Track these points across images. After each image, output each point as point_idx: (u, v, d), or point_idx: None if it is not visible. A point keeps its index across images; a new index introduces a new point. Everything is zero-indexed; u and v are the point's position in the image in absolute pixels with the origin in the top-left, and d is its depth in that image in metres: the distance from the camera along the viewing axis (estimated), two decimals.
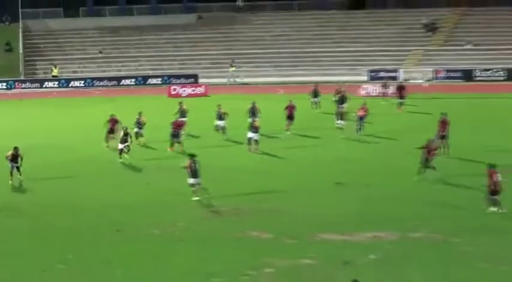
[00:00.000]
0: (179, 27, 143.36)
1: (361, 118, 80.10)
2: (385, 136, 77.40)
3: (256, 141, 73.67)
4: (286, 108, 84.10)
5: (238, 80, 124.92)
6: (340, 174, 63.39)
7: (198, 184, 55.87)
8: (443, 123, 70.90)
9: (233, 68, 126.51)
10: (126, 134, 70.73)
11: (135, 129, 78.34)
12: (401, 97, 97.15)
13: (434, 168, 59.53)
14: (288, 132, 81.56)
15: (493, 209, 50.36)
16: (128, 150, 70.71)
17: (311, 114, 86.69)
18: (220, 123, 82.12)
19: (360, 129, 79.94)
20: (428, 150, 59.94)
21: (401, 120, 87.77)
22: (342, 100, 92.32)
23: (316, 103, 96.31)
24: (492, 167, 50.86)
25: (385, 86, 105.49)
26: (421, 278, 41.53)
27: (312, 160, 70.41)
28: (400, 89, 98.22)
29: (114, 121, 77.91)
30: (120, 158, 69.68)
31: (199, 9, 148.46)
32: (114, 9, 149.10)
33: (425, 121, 75.68)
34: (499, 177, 50.76)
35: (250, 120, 79.31)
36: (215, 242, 47.30)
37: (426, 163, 59.94)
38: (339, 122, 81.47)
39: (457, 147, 69.54)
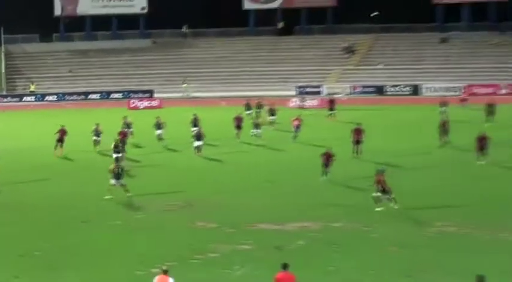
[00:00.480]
0: (137, 50, 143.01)
1: (297, 127, 79.79)
2: (313, 142, 75.58)
3: (198, 147, 73.47)
4: (235, 119, 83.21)
5: (190, 94, 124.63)
6: (270, 174, 64.00)
7: (121, 185, 55.69)
8: (358, 131, 70.93)
9: (185, 85, 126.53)
10: (117, 146, 68.22)
11: (94, 138, 77.12)
12: (331, 109, 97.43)
13: (327, 173, 59.84)
14: (239, 140, 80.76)
15: (378, 209, 50.23)
16: (122, 160, 66.65)
17: (246, 125, 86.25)
18: (159, 132, 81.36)
19: (296, 136, 79.36)
20: (327, 157, 59.78)
21: (330, 128, 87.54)
22: (271, 112, 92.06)
23: (249, 115, 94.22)
24: (380, 172, 51.03)
25: (302, 99, 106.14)
26: (341, 258, 41.98)
27: (247, 163, 70.85)
28: (330, 102, 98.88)
29: (63, 131, 76.01)
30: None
31: (153, 35, 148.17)
32: (82, 34, 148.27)
33: (347, 129, 75.66)
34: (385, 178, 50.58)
35: (194, 129, 78.92)
36: (168, 231, 47.60)
37: (326, 168, 59.90)
38: (255, 130, 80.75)
39: (370, 151, 69.83)
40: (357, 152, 70.39)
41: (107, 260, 42.38)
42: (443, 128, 77.24)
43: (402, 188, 55.09)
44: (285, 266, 32.71)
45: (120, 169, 56.60)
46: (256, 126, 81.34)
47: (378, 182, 50.99)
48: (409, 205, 52.74)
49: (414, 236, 46.13)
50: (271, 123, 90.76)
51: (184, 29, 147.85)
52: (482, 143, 65.80)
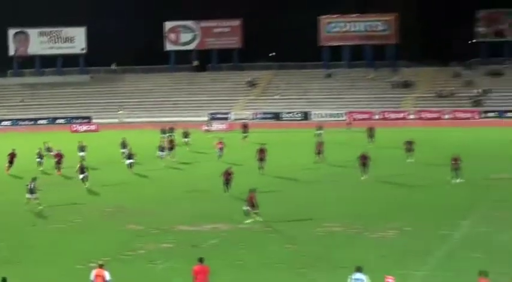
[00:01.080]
0: (78, 83, 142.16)
1: (220, 149, 77.91)
2: (228, 161, 74.31)
3: (130, 164, 72.38)
4: (169, 142, 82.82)
5: (123, 120, 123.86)
6: (188, 186, 63.84)
7: (35, 199, 54.57)
8: (261, 151, 70.64)
9: (121, 111, 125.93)
10: (82, 167, 64.11)
11: (38, 159, 74.99)
12: (245, 132, 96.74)
13: (228, 189, 58.39)
14: (174, 160, 78.94)
15: (247, 221, 48.69)
16: (87, 179, 63.63)
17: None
18: (82, 154, 78.47)
19: (220, 156, 77.38)
20: (227, 174, 58.34)
21: (245, 148, 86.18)
22: (185, 134, 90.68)
23: (163, 138, 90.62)
24: (252, 190, 49.48)
25: (208, 124, 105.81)
26: (246, 253, 41.89)
27: (168, 177, 70.63)
28: (244, 125, 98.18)
29: (13, 155, 74.45)
30: (85, 185, 62.99)
31: (91, 71, 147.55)
32: (32, 71, 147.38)
33: (253, 149, 75.60)
34: (255, 197, 49.15)
35: (122, 150, 78.52)
36: (104, 232, 47.48)
37: (227, 185, 58.29)
38: (161, 153, 77.91)
39: (272, 166, 69.98)
40: (261, 167, 69.58)
41: (53, 256, 42.25)
42: (319, 148, 76.64)
43: (297, 197, 55.39)
44: (200, 260, 32.70)
45: (32, 184, 55.20)
46: (162, 149, 78.76)
47: (250, 198, 49.95)
48: (302, 210, 53.02)
49: (306, 234, 46.25)
50: (186, 144, 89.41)
51: (113, 66, 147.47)
52: (364, 160, 65.56)
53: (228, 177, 58.28)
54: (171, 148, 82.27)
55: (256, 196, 50.08)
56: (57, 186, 65.67)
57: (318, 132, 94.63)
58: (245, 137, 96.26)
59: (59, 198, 59.65)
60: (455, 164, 61.70)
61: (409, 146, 74.43)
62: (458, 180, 61.48)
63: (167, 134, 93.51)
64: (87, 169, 64.04)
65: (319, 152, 76.07)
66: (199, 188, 62.16)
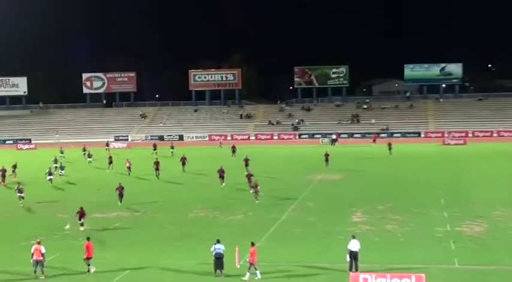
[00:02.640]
0: (21, 115, 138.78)
1: (128, 167, 70.17)
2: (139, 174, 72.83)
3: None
4: (109, 157, 76.05)
5: (59, 140, 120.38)
6: (99, 186, 62.05)
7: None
8: (157, 164, 68.29)
9: (57, 135, 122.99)
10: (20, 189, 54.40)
11: None
12: (155, 149, 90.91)
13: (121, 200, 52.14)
14: (108, 170, 73.76)
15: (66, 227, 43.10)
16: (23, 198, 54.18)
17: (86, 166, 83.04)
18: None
19: (129, 173, 69.82)
20: (121, 188, 52.17)
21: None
22: (89, 155, 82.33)
23: (89, 157, 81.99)
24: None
25: (108, 144, 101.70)
26: (141, 233, 41.77)
27: (91, 181, 68.83)
28: (154, 145, 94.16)
29: (3, 170, 66.93)
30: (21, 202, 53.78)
31: (31, 107, 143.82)
32: None
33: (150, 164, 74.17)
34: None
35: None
36: (40, 218, 46.78)
37: (120, 197, 51.97)
38: (61, 171, 69.32)
39: (166, 174, 69.10)
40: (157, 175, 67.16)
41: (4, 236, 41.44)
42: (183, 161, 73.05)
43: (177, 194, 55.11)
44: (88, 238, 33.93)
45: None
46: (62, 168, 70.26)
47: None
48: (179, 202, 52.96)
49: (181, 218, 46.39)
50: (90, 163, 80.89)
51: (41, 105, 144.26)
52: (221, 172, 61.43)
53: (121, 190, 52.32)
54: (90, 155, 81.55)
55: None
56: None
57: (172, 150, 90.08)
58: (155, 152, 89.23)
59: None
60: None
61: (246, 162, 70.50)
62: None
63: (86, 152, 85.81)
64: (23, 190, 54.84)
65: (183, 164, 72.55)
66: (108, 187, 58.80)
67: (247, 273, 31.14)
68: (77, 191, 61.54)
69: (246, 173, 62.19)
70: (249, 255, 31.59)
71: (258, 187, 53.61)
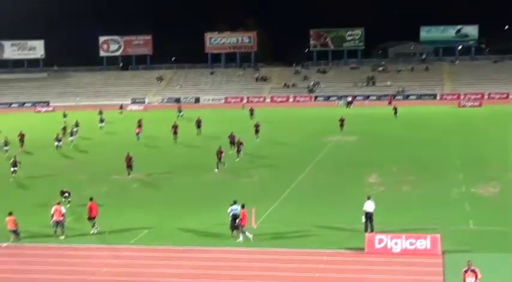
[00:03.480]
0: (39, 78, 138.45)
1: (137, 133, 67.76)
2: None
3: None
4: (172, 127, 68.43)
5: (79, 103, 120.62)
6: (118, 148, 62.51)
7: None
8: (175, 127, 66.72)
9: (78, 98, 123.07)
10: (15, 162, 49.66)
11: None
12: (180, 111, 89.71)
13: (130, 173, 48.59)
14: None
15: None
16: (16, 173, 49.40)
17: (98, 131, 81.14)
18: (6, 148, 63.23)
19: (138, 138, 67.21)
20: (128, 159, 48.72)
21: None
22: (101, 120, 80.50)
23: (101, 122, 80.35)
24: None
25: (121, 107, 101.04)
26: (163, 197, 42.02)
27: (103, 141, 68.85)
28: (179, 107, 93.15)
29: (22, 135, 64.59)
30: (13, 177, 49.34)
31: (48, 70, 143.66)
32: (6, 70, 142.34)
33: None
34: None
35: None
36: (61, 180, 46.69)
37: (128, 170, 48.63)
38: (71, 137, 67.28)
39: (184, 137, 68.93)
40: (175, 139, 66.59)
41: (26, 198, 41.28)
42: (198, 124, 72.06)
43: (195, 156, 55.12)
44: (91, 199, 34.01)
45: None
46: (72, 133, 68.14)
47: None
48: (191, 165, 53.12)
49: (198, 180, 46.53)
50: (101, 128, 79.27)
51: (55, 68, 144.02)
52: (256, 128, 65.35)
53: (129, 161, 48.80)
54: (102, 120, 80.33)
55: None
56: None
57: (179, 113, 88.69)
58: (181, 115, 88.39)
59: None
60: None
61: (257, 128, 67.37)
62: None
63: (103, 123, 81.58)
64: (19, 163, 50.16)
65: (175, 133, 67.54)
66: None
67: (241, 235, 31.39)
68: (90, 157, 62.01)
69: (257, 140, 62.96)
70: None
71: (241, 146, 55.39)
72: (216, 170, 49.78)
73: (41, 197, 41.53)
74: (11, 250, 31.22)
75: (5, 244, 31.79)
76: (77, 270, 27.86)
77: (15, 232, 32.22)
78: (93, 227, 33.58)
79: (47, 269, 28.33)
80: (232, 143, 58.25)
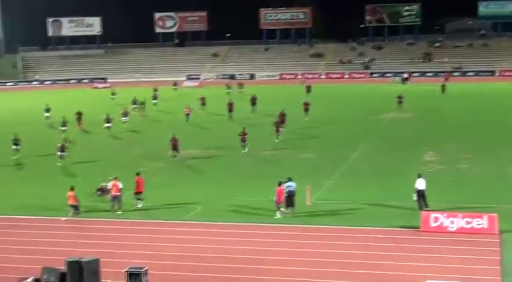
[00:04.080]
0: (95, 55, 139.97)
1: (187, 114, 65.27)
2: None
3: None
4: (227, 104, 67.80)
5: (139, 78, 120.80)
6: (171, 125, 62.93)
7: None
8: (230, 105, 66.62)
9: (137, 74, 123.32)
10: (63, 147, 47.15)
11: (46, 114, 66.72)
12: (241, 86, 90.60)
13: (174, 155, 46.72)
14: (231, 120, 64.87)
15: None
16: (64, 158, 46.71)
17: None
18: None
19: (187, 120, 64.81)
20: (174, 140, 46.40)
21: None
22: (154, 97, 79.42)
23: (154, 99, 79.22)
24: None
25: (175, 84, 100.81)
26: (217, 173, 42.19)
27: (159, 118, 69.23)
28: (240, 84, 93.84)
29: (79, 113, 63.72)
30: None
31: (104, 47, 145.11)
32: (64, 47, 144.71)
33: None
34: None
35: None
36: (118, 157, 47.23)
37: (174, 152, 46.60)
38: (124, 118, 63.55)
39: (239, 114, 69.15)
40: (230, 117, 67.05)
41: (88, 171, 41.63)
42: (253, 101, 71.11)
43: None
44: (138, 174, 34.43)
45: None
46: (125, 114, 64.21)
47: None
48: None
49: (252, 156, 46.53)
50: (155, 105, 78.12)
51: (109, 44, 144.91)
52: (306, 106, 63.66)
53: (175, 143, 46.94)
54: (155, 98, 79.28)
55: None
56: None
57: (229, 90, 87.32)
58: (241, 91, 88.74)
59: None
60: None
61: (306, 106, 65.33)
62: None
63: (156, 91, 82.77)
64: (67, 148, 47.52)
65: (230, 109, 67.28)
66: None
67: (278, 212, 31.53)
68: (153, 129, 62.57)
69: (306, 119, 62.48)
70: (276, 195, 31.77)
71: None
72: (245, 150, 48.80)
73: (97, 174, 42.04)
74: (70, 224, 31.89)
75: (64, 218, 32.47)
76: (140, 245, 28.38)
77: (75, 207, 32.85)
78: (138, 201, 34.07)
79: (105, 243, 28.86)
80: (281, 122, 56.81)
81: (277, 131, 53.40)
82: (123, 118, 63.68)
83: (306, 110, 64.75)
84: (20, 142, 49.62)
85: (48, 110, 69.19)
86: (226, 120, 65.76)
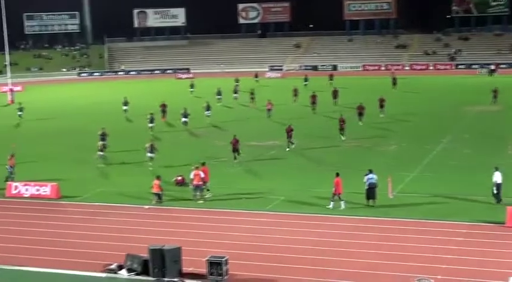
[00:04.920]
0: (179, 46, 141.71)
1: (268, 110, 62.32)
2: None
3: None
4: (311, 97, 65.99)
5: (224, 70, 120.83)
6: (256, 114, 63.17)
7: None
8: (313, 97, 65.13)
9: (222, 65, 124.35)
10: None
11: (124, 107, 65.72)
12: (331, 78, 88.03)
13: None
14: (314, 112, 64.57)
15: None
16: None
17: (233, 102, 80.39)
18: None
19: (269, 115, 62.01)
20: (235, 142, 43.47)
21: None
22: (235, 91, 77.75)
23: (235, 93, 77.61)
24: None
25: (256, 76, 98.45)
26: (299, 165, 42.25)
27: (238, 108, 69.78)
28: (330, 75, 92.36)
29: (164, 105, 62.95)
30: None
31: (188, 37, 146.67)
32: (149, 37, 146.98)
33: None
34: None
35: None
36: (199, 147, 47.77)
37: (235, 152, 43.52)
38: (207, 112, 61.21)
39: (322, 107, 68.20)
40: (313, 109, 65.23)
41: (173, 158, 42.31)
42: (335, 94, 69.33)
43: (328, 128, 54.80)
44: (203, 163, 34.96)
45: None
46: (208, 108, 61.54)
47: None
48: (330, 134, 52.79)
49: (334, 148, 46.31)
50: (235, 99, 75.78)
51: (188, 35, 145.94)
52: (381, 102, 60.60)
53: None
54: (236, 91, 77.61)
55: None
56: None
57: (330, 81, 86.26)
58: (331, 83, 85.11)
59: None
60: None
61: (381, 102, 61.82)
62: None
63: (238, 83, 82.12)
64: (156, 150, 43.37)
65: (335, 96, 68.73)
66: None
67: (331, 203, 31.44)
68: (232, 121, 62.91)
69: (381, 115, 60.06)
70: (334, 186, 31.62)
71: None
72: (343, 137, 49.51)
73: (183, 161, 42.81)
74: (153, 212, 32.57)
75: (147, 206, 33.18)
76: (220, 234, 28.74)
77: (159, 195, 33.52)
78: (202, 191, 34.35)
79: (186, 231, 29.32)
80: (360, 114, 56.30)
81: (360, 118, 55.55)
82: (206, 112, 61.34)
83: (381, 106, 61.58)
84: (107, 137, 47.56)
85: (126, 103, 67.86)
86: (309, 112, 64.57)
